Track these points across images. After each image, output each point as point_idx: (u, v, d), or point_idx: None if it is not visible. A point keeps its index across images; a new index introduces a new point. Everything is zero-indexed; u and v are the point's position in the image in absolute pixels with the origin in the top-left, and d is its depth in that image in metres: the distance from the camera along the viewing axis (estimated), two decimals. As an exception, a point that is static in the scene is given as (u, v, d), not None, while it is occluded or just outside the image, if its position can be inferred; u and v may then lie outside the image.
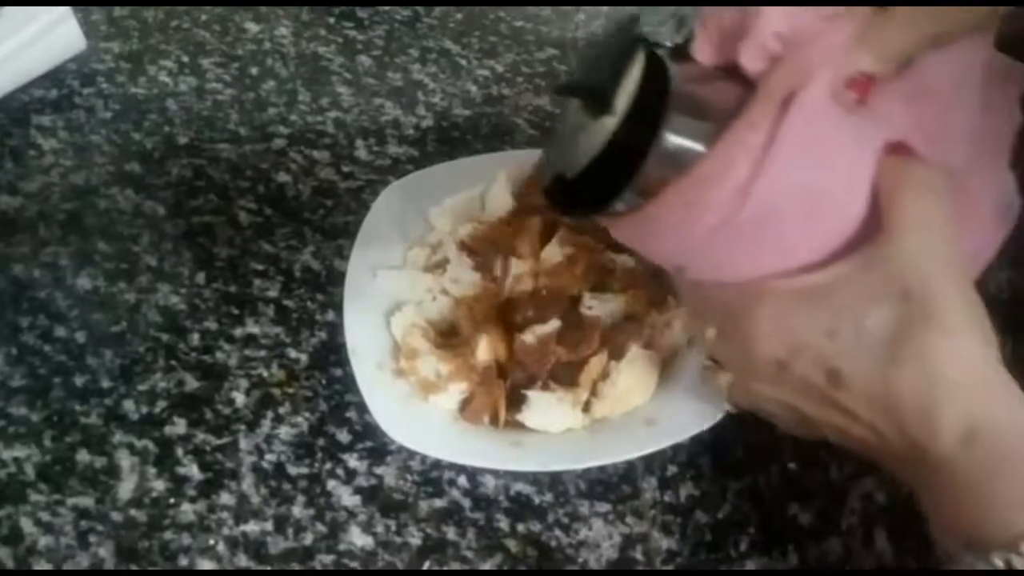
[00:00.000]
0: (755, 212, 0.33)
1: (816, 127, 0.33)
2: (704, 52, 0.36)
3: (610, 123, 0.34)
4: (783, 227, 0.34)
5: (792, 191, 0.34)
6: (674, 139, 0.34)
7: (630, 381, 0.46)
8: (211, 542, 0.44)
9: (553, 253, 0.50)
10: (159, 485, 0.45)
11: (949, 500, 0.32)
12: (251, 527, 0.44)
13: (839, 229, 0.35)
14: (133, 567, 0.43)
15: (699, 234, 0.34)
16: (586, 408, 0.46)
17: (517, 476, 0.46)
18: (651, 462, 0.46)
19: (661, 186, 0.34)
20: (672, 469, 0.46)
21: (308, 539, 0.44)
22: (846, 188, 0.35)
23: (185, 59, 0.67)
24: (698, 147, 0.34)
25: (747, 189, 0.33)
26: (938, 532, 0.33)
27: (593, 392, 0.46)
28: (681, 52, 0.36)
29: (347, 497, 0.45)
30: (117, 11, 0.70)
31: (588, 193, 0.36)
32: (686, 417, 0.44)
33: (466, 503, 0.45)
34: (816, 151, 0.33)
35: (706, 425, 0.44)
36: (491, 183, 0.54)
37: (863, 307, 0.33)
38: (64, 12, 0.63)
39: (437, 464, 0.46)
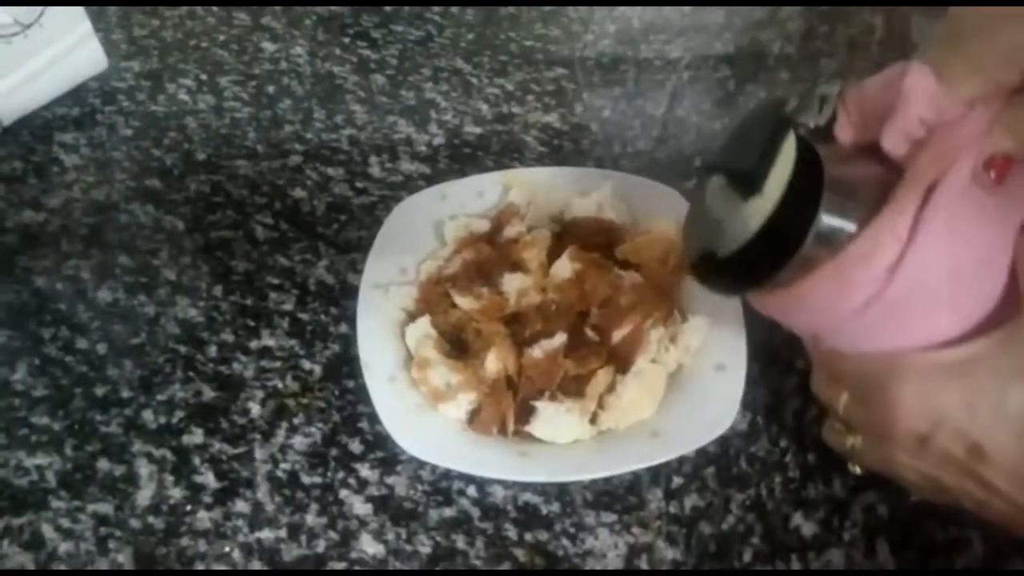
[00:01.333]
0: (900, 291, 0.36)
1: (958, 211, 0.35)
2: (845, 132, 0.38)
3: (763, 205, 0.36)
4: (926, 305, 0.36)
5: (935, 271, 0.36)
6: (828, 221, 0.35)
7: (636, 394, 0.47)
8: (226, 549, 0.45)
9: (562, 268, 0.51)
10: (176, 493, 0.47)
11: None
12: (265, 534, 0.45)
13: (979, 305, 0.37)
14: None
15: (846, 311, 0.37)
16: (593, 420, 0.47)
17: (525, 486, 0.47)
18: (657, 474, 0.47)
19: (811, 265, 0.36)
20: (677, 481, 0.47)
21: (321, 546, 0.45)
22: (986, 266, 0.36)
23: (203, 77, 0.69)
24: (849, 227, 0.36)
25: (894, 270, 0.35)
26: None
27: (600, 404, 0.47)
28: (821, 132, 0.38)
29: (359, 506, 0.46)
30: (137, 31, 0.72)
31: (737, 270, 0.38)
32: (691, 430, 0.45)
33: (475, 512, 0.46)
34: (958, 233, 0.35)
35: (711, 438, 0.45)
36: (502, 199, 0.56)
37: (1002, 384, 0.35)
38: (86, 32, 0.65)
39: (447, 474, 0.47)
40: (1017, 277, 0.36)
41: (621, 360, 0.48)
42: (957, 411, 0.35)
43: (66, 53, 0.64)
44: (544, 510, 0.46)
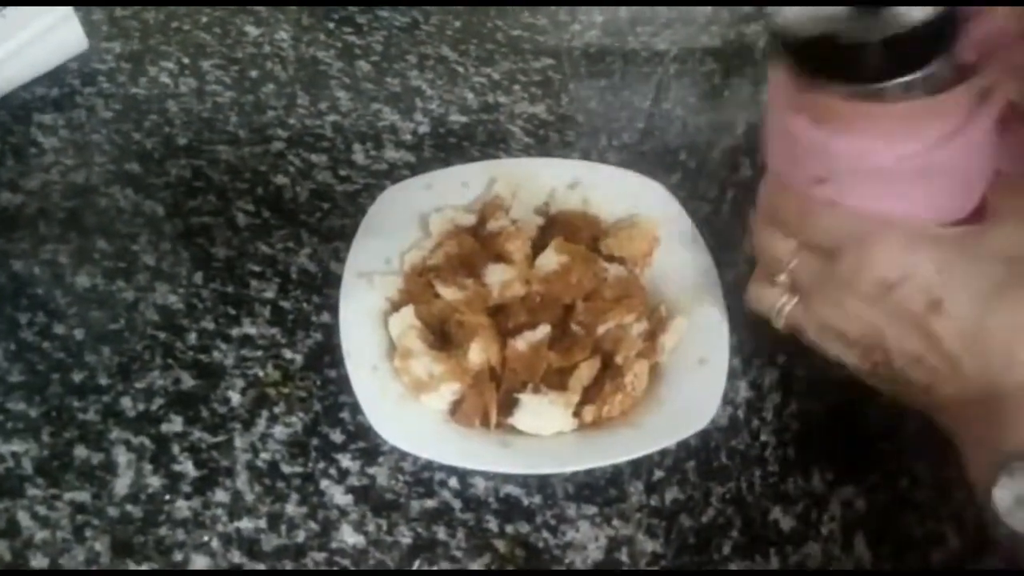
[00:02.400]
0: (938, 162, 0.39)
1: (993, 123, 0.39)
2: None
3: (891, 22, 0.37)
4: (944, 186, 0.40)
5: (971, 160, 0.40)
6: (926, 72, 0.37)
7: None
8: (205, 538, 0.44)
9: (548, 261, 0.51)
10: (155, 481, 0.46)
11: (1006, 424, 0.37)
12: (245, 524, 0.45)
13: (977, 202, 0.41)
14: (128, 561, 0.43)
15: (885, 157, 0.39)
16: (576, 412, 0.47)
17: (507, 478, 0.47)
18: (638, 466, 0.47)
19: (887, 99, 0.38)
20: (658, 474, 0.47)
21: (301, 537, 0.45)
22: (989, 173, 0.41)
23: (186, 61, 0.68)
24: (932, 88, 0.38)
25: (946, 140, 0.38)
26: (977, 463, 0.38)
27: (584, 398, 0.47)
28: None
29: (339, 496, 0.46)
30: (118, 11, 0.71)
31: (828, 61, 0.39)
32: (673, 423, 0.46)
33: (456, 504, 0.46)
34: (990, 139, 0.39)
35: (692, 431, 0.45)
36: (487, 190, 0.56)
37: (974, 260, 0.39)
38: (67, 12, 0.64)
39: (428, 465, 0.47)
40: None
41: (606, 353, 0.48)
42: (930, 268, 0.39)
43: (45, 33, 0.63)
44: (525, 502, 0.46)
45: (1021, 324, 0.37)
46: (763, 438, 0.49)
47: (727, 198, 0.61)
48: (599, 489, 0.47)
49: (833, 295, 0.41)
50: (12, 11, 0.60)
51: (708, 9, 0.75)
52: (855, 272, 0.40)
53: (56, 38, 0.64)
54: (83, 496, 0.45)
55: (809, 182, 0.42)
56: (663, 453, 0.47)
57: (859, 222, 0.40)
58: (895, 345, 0.40)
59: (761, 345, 0.52)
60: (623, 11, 0.75)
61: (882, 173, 0.40)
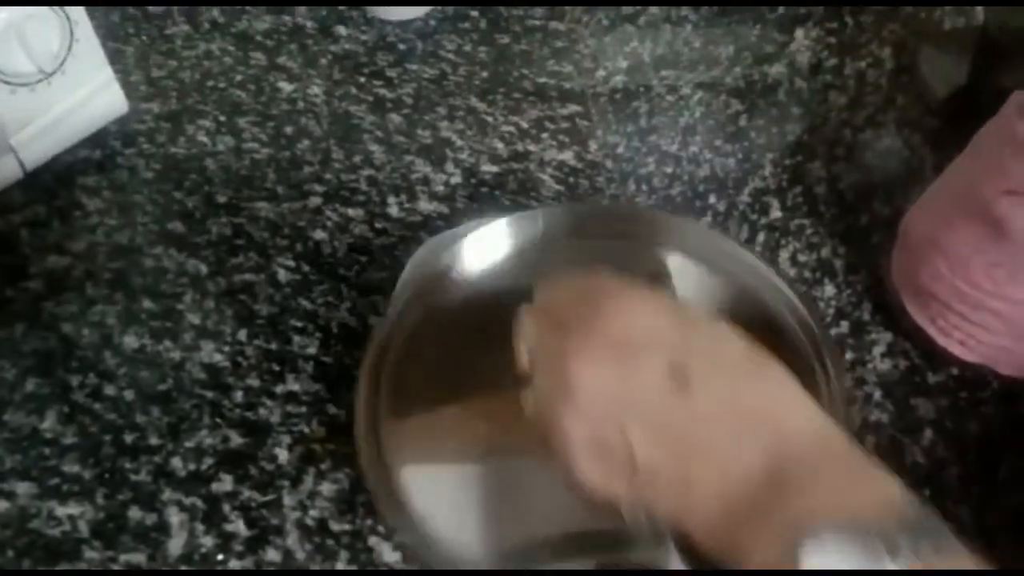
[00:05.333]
0: None
1: None
2: None
3: None
4: None
5: None
6: None
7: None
8: (259, 597, 0.45)
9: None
10: (207, 541, 0.47)
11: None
12: (297, 582, 0.46)
13: None
14: (184, 622, 0.44)
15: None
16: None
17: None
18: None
19: None
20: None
21: (351, 594, 0.45)
22: None
23: (222, 119, 0.70)
24: None
25: None
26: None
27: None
28: None
29: (388, 553, 0.47)
30: (155, 72, 0.73)
31: None
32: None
33: (503, 557, 0.47)
34: None
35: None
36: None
37: (717, 339, 0.38)
38: (108, 76, 0.66)
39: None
40: None
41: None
42: (675, 336, 0.36)
43: (88, 99, 0.65)
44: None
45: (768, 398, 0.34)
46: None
47: (758, 240, 0.61)
48: None
49: (561, 364, 0.35)
50: (57, 78, 0.62)
51: (731, 50, 0.77)
52: (588, 332, 0.35)
53: (98, 102, 0.66)
54: (139, 557, 0.47)
55: (999, 195, 0.45)
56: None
57: (593, 287, 0.37)
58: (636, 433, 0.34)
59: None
60: (646, 55, 0.77)
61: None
